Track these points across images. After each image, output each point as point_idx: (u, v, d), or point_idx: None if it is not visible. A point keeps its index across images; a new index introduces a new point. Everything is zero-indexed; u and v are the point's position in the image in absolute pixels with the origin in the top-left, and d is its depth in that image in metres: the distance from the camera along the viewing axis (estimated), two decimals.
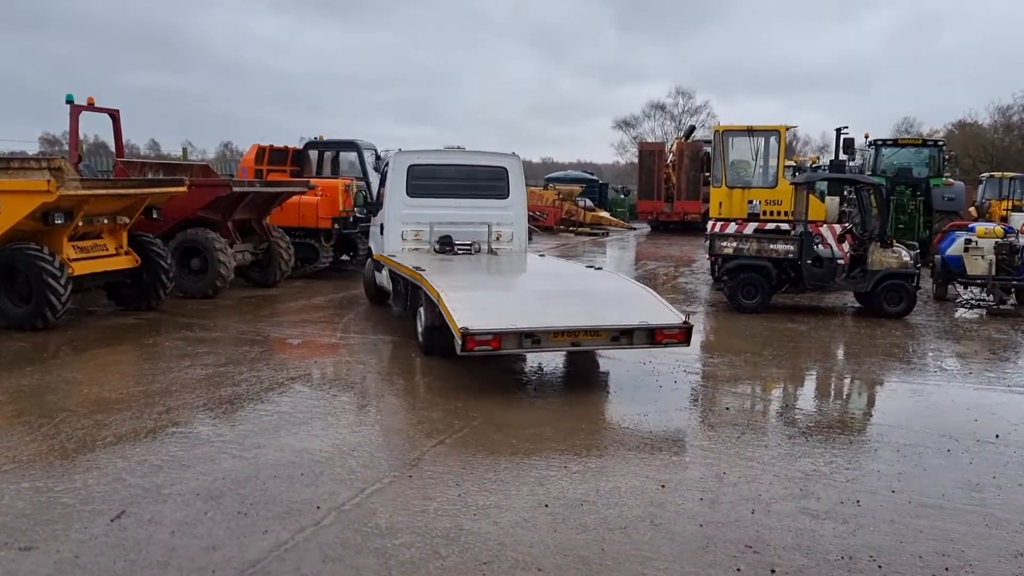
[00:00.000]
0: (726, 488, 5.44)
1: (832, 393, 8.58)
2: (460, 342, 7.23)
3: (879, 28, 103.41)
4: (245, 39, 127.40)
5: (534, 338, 7.57)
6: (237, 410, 7.03)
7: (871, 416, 7.38)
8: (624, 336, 7.82)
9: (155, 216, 11.74)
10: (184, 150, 21.48)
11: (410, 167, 11.51)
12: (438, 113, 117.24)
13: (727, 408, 7.46)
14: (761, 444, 6.40)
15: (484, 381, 8.14)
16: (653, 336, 7.80)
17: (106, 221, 11.06)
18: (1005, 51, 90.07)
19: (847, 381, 8.96)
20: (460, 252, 11.31)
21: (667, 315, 7.99)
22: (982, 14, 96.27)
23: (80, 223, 10.55)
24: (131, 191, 11.00)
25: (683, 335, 7.87)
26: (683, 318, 7.96)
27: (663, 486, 5.44)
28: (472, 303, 7.91)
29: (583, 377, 8.65)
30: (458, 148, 12.98)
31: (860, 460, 6.08)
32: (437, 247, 11.34)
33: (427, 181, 11.53)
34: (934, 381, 8.72)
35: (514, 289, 9.92)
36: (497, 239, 11.63)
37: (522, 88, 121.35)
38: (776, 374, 9.05)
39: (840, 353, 10.45)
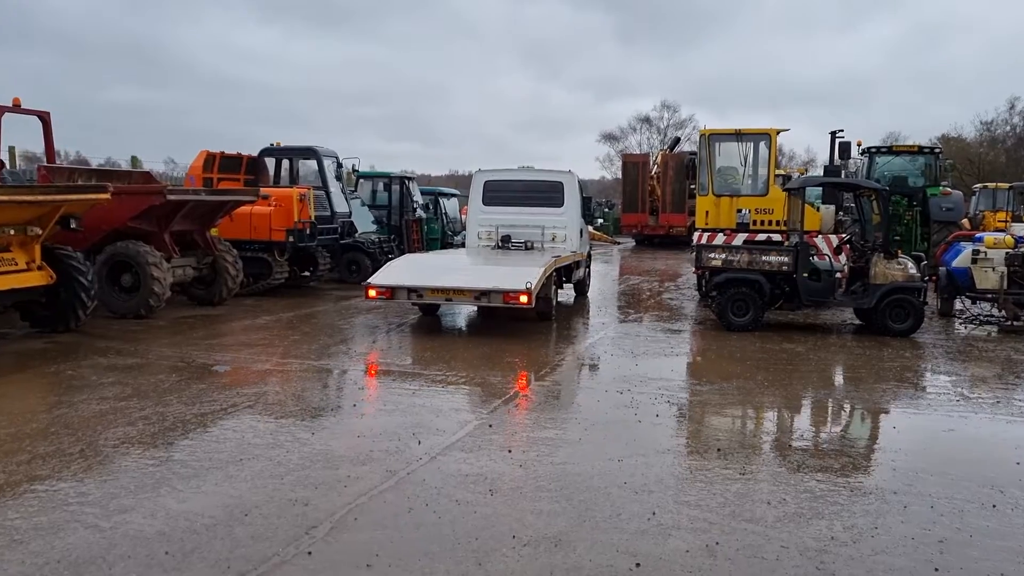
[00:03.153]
0: (720, 566, 4.17)
1: (841, 429, 7.33)
2: (364, 292, 10.97)
3: (871, 43, 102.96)
4: (231, 54, 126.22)
5: (417, 293, 10.90)
6: (118, 458, 5.71)
7: (893, 459, 6.09)
8: (483, 296, 10.59)
9: (74, 227, 10.40)
10: (134, 159, 20.07)
11: (486, 182, 14.45)
12: (426, 129, 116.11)
13: (718, 450, 6.19)
14: (761, 499, 5.14)
15: (426, 417, 6.89)
16: (503, 297, 10.42)
17: (13, 232, 9.73)
18: (994, 67, 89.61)
19: (857, 413, 7.71)
20: (512, 248, 13.95)
21: (516, 283, 10.44)
22: (977, 28, 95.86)
23: None
24: (40, 198, 9.67)
25: (527, 297, 10.30)
26: (526, 286, 10.33)
27: (637, 564, 4.17)
28: (393, 268, 11.71)
29: (551, 411, 7.36)
30: (528, 167, 14.91)
31: (887, 521, 4.81)
32: (500, 243, 14.05)
33: (498, 193, 14.35)
34: (959, 412, 7.48)
35: (443, 263, 12.77)
36: (552, 239, 14.02)
37: (511, 103, 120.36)
38: (772, 404, 7.80)
39: (845, 378, 9.21)
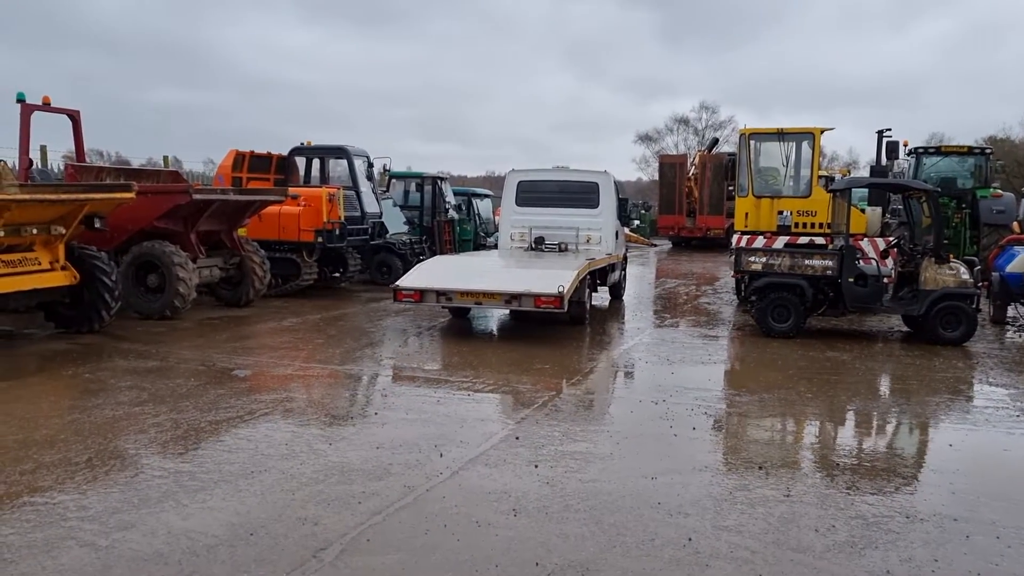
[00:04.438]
0: None
1: (892, 445, 6.86)
2: (393, 295, 10.75)
3: (920, 42, 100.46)
4: (272, 54, 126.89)
5: (447, 296, 10.58)
6: (124, 469, 5.45)
7: (950, 481, 5.63)
8: (514, 299, 10.34)
9: (98, 226, 10.23)
10: (165, 159, 20.05)
11: (519, 182, 14.12)
12: (464, 129, 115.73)
13: (759, 468, 5.77)
14: (808, 525, 4.72)
15: (449, 427, 6.56)
16: (534, 301, 10.14)
17: (36, 231, 9.58)
18: None
19: (909, 428, 7.23)
20: (546, 249, 13.64)
21: (547, 287, 10.16)
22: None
23: (2, 233, 9.09)
24: (62, 197, 9.51)
25: (558, 302, 10.03)
26: (559, 290, 10.03)
27: None
28: (423, 271, 11.46)
29: (581, 422, 6.97)
30: (562, 167, 14.67)
31: (948, 553, 4.37)
32: (533, 245, 13.75)
33: (531, 194, 14.04)
34: (1020, 428, 6.97)
35: (474, 265, 12.51)
36: (587, 241, 13.70)
37: (550, 104, 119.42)
38: (817, 417, 7.35)
39: (894, 390, 8.72)
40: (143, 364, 8.77)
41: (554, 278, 10.41)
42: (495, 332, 11.88)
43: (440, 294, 10.57)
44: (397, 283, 10.93)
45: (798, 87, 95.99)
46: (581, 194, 13.87)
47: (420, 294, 10.60)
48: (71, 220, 9.84)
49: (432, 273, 11.27)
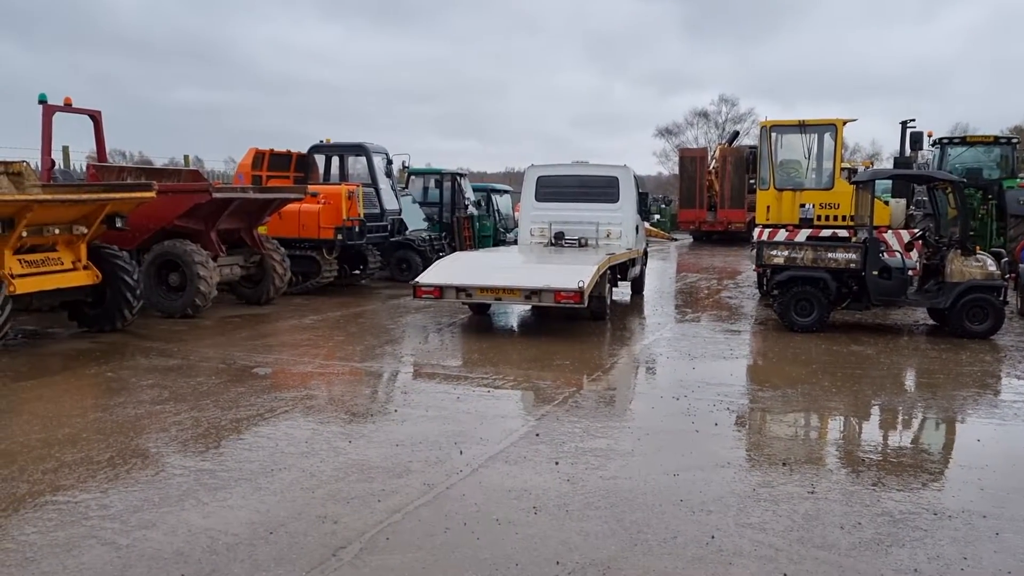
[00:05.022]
0: None
1: (919, 441, 6.75)
2: (412, 291, 10.74)
3: (945, 32, 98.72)
4: (292, 52, 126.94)
5: (467, 292, 10.51)
6: (145, 467, 5.46)
7: (979, 477, 5.53)
8: (534, 295, 10.21)
9: (119, 225, 10.28)
10: (186, 158, 20.14)
11: (539, 178, 14.06)
12: (484, 126, 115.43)
13: (783, 464, 5.70)
14: (833, 522, 4.64)
15: (469, 424, 6.53)
16: (554, 296, 10.03)
17: (58, 232, 9.64)
18: None
19: (936, 423, 7.12)
20: (565, 245, 13.53)
21: (567, 282, 10.06)
22: None
23: (24, 233, 9.16)
24: (84, 197, 9.57)
25: (578, 297, 9.92)
26: (578, 285, 9.93)
27: None
28: (442, 267, 11.42)
29: (602, 418, 6.92)
30: (582, 162, 14.56)
31: (978, 551, 4.29)
32: (553, 240, 13.65)
33: (551, 189, 13.95)
34: None
35: (493, 261, 12.40)
36: (607, 236, 13.56)
37: (571, 99, 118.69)
38: (841, 412, 7.25)
39: (920, 384, 8.59)
40: (165, 362, 8.81)
41: (574, 273, 10.34)
42: (515, 328, 11.84)
43: (460, 290, 10.53)
44: (417, 279, 10.95)
45: (823, 78, 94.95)
46: (601, 189, 13.77)
47: (440, 290, 10.59)
48: (93, 220, 9.90)
49: (452, 269, 11.26)
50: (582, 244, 13.54)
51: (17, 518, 4.57)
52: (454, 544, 4.30)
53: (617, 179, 13.81)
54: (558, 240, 13.70)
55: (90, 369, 8.51)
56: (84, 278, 10.02)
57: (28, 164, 11.28)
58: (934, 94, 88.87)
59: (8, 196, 8.84)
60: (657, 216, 37.56)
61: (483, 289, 10.51)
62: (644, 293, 15.75)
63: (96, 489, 5.04)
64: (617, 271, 13.04)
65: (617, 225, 13.69)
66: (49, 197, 9.25)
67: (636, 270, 14.72)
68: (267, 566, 4.01)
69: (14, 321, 9.22)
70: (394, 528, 4.50)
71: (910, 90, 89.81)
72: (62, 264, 9.87)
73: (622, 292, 14.97)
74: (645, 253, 16.16)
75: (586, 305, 10.23)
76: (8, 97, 72.59)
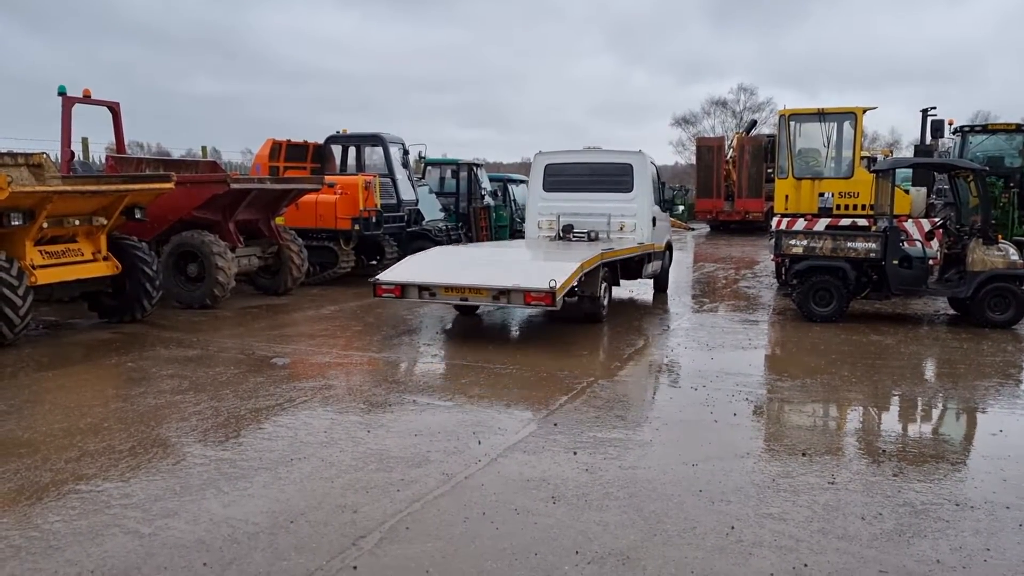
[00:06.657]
0: None
1: (940, 431, 6.70)
2: (372, 290, 9.79)
3: (971, 19, 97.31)
4: (309, 41, 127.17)
5: (430, 291, 9.59)
6: (166, 456, 5.50)
7: (1001, 467, 5.48)
8: (503, 295, 9.19)
9: (138, 217, 10.36)
10: (204, 149, 20.24)
11: (546, 166, 13.09)
12: (502, 115, 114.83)
13: (803, 454, 5.67)
14: (854, 513, 4.62)
15: (488, 414, 6.53)
16: (524, 297, 9.05)
17: (78, 223, 9.72)
18: None
19: (957, 414, 7.06)
20: (574, 239, 12.49)
21: (538, 281, 8.97)
22: None
23: (45, 224, 9.23)
24: (103, 188, 9.63)
25: (549, 299, 8.86)
26: (550, 285, 8.82)
27: None
28: (412, 263, 10.61)
29: (620, 409, 6.91)
30: (594, 148, 13.76)
31: (1001, 542, 4.25)
32: (561, 234, 12.69)
33: (560, 177, 12.99)
34: None
35: (476, 256, 11.53)
36: (620, 229, 12.59)
37: (589, 88, 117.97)
38: (861, 402, 7.20)
39: (940, 374, 8.52)
40: (184, 353, 8.87)
41: (550, 271, 9.22)
42: (533, 319, 11.83)
43: (423, 289, 9.56)
44: (378, 276, 9.93)
45: (847, 66, 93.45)
46: (613, 177, 12.71)
47: (401, 289, 9.62)
48: (112, 211, 9.97)
49: (421, 266, 10.34)
50: (592, 238, 12.46)
51: (41, 507, 4.62)
52: (473, 534, 4.31)
53: (631, 166, 12.74)
54: (567, 233, 12.66)
55: (111, 359, 8.59)
56: (104, 269, 10.09)
57: (48, 156, 11.35)
58: (959, 81, 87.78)
59: (29, 187, 8.90)
60: (681, 207, 37.43)
61: (448, 288, 9.51)
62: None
63: (118, 478, 5.08)
64: (620, 268, 11.99)
65: (631, 217, 12.60)
66: (69, 188, 9.31)
67: (654, 266, 13.35)
68: (288, 555, 4.03)
69: (35, 312, 9.30)
70: (413, 518, 4.51)
71: (935, 77, 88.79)
72: (82, 255, 9.95)
73: (644, 290, 14.61)
74: (669, 247, 14.62)
75: (559, 307, 9.11)
76: (28, 89, 73.17)
